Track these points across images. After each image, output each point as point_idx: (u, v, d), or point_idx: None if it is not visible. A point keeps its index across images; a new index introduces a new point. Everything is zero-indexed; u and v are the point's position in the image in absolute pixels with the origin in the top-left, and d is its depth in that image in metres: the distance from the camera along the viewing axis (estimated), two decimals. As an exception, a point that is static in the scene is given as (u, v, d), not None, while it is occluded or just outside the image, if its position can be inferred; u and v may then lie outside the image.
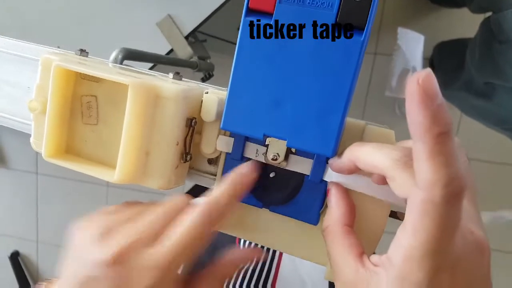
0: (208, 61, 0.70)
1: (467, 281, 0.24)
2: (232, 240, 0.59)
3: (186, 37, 0.63)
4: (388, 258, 0.25)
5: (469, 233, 0.25)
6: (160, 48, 0.65)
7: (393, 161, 0.25)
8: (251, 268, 0.54)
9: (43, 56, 0.34)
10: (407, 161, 0.24)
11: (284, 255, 0.58)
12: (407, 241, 0.23)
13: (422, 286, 0.23)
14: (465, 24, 1.38)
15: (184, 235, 0.28)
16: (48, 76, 0.33)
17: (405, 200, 0.25)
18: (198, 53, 0.65)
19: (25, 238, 1.90)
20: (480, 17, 0.96)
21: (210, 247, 0.57)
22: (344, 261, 0.28)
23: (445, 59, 1.29)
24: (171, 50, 0.65)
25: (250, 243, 0.60)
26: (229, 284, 0.51)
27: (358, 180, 0.31)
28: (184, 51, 0.62)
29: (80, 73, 0.33)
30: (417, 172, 0.23)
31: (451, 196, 0.21)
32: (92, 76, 0.33)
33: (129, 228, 0.29)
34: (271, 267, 0.56)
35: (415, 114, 0.21)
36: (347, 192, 0.31)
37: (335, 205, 0.31)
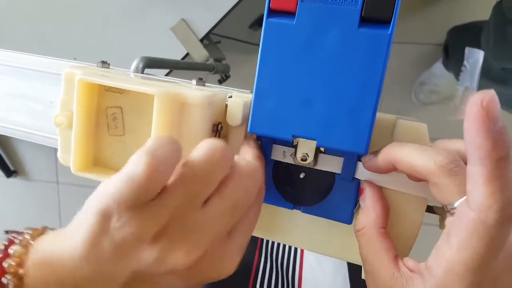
0: (224, 62, 0.70)
1: None
2: (254, 241, 0.59)
3: (201, 40, 0.63)
4: (428, 268, 0.24)
5: (510, 246, 0.24)
6: (176, 52, 0.65)
7: (438, 166, 0.25)
8: (274, 276, 0.54)
9: (66, 70, 0.34)
10: (453, 168, 0.24)
11: (304, 263, 0.57)
12: (451, 255, 0.23)
13: None
14: (478, 7, 1.35)
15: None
16: (72, 90, 0.33)
17: (446, 205, 0.25)
18: (214, 55, 0.65)
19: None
20: (492, 0, 0.94)
21: None
22: (379, 264, 0.28)
23: (459, 44, 1.27)
24: (187, 54, 0.65)
25: (272, 243, 0.60)
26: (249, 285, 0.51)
27: (393, 177, 0.30)
28: (200, 54, 0.61)
29: (104, 85, 0.33)
30: (471, 192, 0.22)
31: (505, 220, 0.21)
32: (116, 87, 0.33)
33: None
34: (294, 275, 0.55)
35: (475, 137, 0.21)
36: (382, 193, 0.31)
37: (370, 207, 0.30)
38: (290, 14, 0.29)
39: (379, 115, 0.32)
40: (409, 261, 0.27)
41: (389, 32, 0.27)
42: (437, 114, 1.48)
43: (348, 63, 0.28)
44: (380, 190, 0.31)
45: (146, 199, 0.23)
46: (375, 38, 0.27)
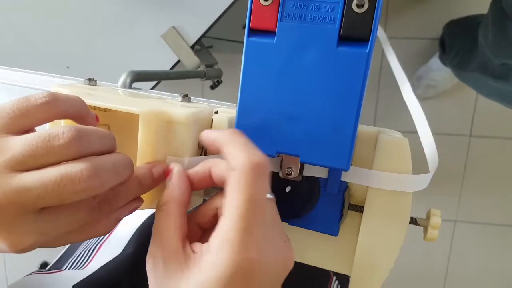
0: (216, 67, 0.70)
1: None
2: None
3: (192, 47, 0.63)
4: (208, 245, 0.26)
5: (283, 242, 0.28)
6: (167, 60, 0.65)
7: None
8: None
9: (53, 89, 0.35)
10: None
11: None
12: (223, 224, 0.25)
13: (232, 267, 0.24)
14: (475, 1, 1.35)
15: None
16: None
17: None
18: (205, 61, 0.65)
19: (52, 249, 1.94)
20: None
21: None
22: (170, 239, 0.28)
23: (456, 39, 1.27)
24: (178, 61, 0.65)
25: None
26: None
27: (372, 175, 0.31)
28: (191, 61, 0.62)
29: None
30: (228, 159, 0.26)
31: (255, 168, 0.25)
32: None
33: None
34: None
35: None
36: (186, 178, 0.31)
37: (176, 184, 0.30)
38: (271, 33, 0.29)
39: (361, 127, 0.33)
40: (196, 245, 0.28)
41: (367, 51, 0.27)
42: (435, 109, 1.48)
43: (328, 81, 0.29)
44: (186, 173, 0.31)
45: (16, 127, 0.25)
46: (354, 57, 0.28)
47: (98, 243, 0.53)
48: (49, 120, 0.27)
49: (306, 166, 0.33)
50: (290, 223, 0.34)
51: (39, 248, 0.27)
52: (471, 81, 1.16)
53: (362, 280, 0.33)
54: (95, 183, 0.25)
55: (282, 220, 0.34)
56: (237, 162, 0.25)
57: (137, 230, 0.52)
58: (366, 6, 0.27)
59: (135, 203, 0.31)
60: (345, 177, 0.32)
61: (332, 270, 0.36)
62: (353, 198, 0.34)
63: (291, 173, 0.33)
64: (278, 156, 0.32)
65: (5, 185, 0.23)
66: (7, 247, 0.25)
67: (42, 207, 0.25)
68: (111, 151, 0.28)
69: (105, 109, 0.34)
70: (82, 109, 0.29)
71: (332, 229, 0.34)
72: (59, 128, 0.25)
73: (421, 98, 1.48)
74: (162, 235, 0.28)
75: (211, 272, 0.24)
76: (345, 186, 0.33)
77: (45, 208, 0.25)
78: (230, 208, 0.24)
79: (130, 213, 0.31)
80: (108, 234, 0.54)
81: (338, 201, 0.33)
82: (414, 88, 1.47)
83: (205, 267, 0.25)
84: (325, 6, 0.28)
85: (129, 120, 0.34)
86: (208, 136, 0.29)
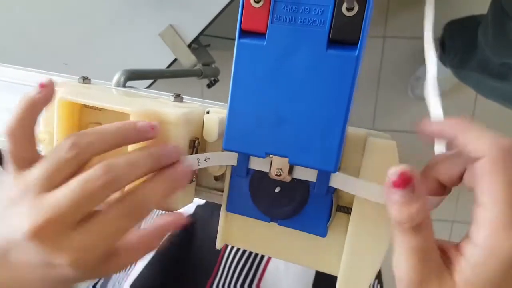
0: (213, 65, 0.70)
1: None
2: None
3: (189, 45, 0.63)
4: (469, 239, 0.25)
5: None
6: (164, 58, 0.65)
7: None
8: (238, 267, 0.54)
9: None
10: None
11: (271, 263, 0.56)
12: (487, 216, 0.24)
13: (508, 255, 0.23)
14: (475, 1, 1.35)
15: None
16: (53, 107, 0.33)
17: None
18: (202, 59, 0.65)
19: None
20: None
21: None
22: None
23: (456, 39, 1.27)
24: (175, 59, 0.65)
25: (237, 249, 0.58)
26: (213, 284, 0.52)
27: (363, 185, 0.31)
28: (188, 59, 0.62)
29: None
30: (468, 147, 0.25)
31: (507, 151, 0.24)
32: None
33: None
34: (258, 268, 0.55)
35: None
36: None
37: None
38: (261, 35, 0.29)
39: (351, 130, 0.33)
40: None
41: (356, 54, 0.28)
42: (434, 109, 1.48)
43: (317, 83, 0.29)
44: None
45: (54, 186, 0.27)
46: (343, 60, 0.28)
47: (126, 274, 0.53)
48: (84, 163, 0.28)
49: (296, 167, 0.33)
50: (279, 223, 0.35)
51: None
52: (470, 81, 1.16)
53: (349, 281, 0.33)
54: (111, 176, 0.26)
55: (272, 221, 0.35)
56: (485, 149, 0.24)
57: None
58: (356, 9, 0.27)
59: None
60: (333, 183, 0.32)
61: (320, 270, 0.36)
62: (341, 200, 0.34)
63: (281, 174, 0.33)
64: (268, 157, 0.33)
65: (39, 206, 0.25)
66: (67, 268, 0.26)
67: (79, 219, 0.26)
68: (120, 144, 0.29)
69: (98, 107, 0.34)
70: (113, 137, 0.29)
71: (320, 230, 0.34)
72: (62, 142, 0.28)
73: (420, 98, 1.48)
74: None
75: (487, 264, 0.23)
76: (333, 187, 0.33)
77: (81, 221, 0.26)
78: (491, 197, 0.24)
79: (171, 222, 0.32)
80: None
81: (326, 202, 0.33)
82: (413, 88, 1.47)
83: (476, 264, 0.24)
84: (315, 9, 0.28)
85: (121, 119, 0.34)
86: (432, 126, 0.29)
